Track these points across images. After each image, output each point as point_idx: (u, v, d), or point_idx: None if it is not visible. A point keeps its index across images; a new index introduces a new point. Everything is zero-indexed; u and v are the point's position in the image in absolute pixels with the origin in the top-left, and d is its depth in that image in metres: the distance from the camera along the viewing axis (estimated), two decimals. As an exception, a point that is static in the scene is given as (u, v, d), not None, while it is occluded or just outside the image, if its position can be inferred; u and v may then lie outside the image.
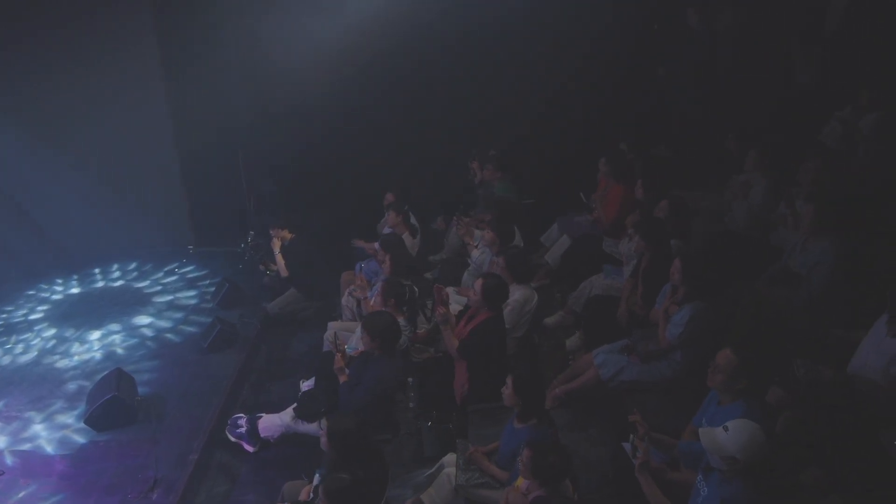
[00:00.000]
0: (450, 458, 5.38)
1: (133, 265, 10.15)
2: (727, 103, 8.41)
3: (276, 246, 8.33)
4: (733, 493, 3.97)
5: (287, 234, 8.38)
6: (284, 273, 8.31)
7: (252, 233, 9.43)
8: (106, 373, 7.21)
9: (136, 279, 9.82)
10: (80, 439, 6.63)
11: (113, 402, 6.64)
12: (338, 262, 8.67)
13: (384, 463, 5.21)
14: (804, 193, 6.22)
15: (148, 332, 8.46)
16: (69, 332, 8.49)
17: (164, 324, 8.63)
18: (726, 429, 4.01)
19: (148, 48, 9.46)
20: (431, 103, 9.62)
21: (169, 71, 9.59)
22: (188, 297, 9.25)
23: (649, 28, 9.42)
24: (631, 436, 4.51)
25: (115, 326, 8.58)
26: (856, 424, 4.54)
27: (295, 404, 6.35)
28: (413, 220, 8.45)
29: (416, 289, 6.88)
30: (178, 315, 8.82)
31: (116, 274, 10.00)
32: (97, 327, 8.56)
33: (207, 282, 9.53)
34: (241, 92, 9.87)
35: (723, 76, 8.59)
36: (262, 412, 6.53)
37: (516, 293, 6.48)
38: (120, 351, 8.08)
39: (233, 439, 6.45)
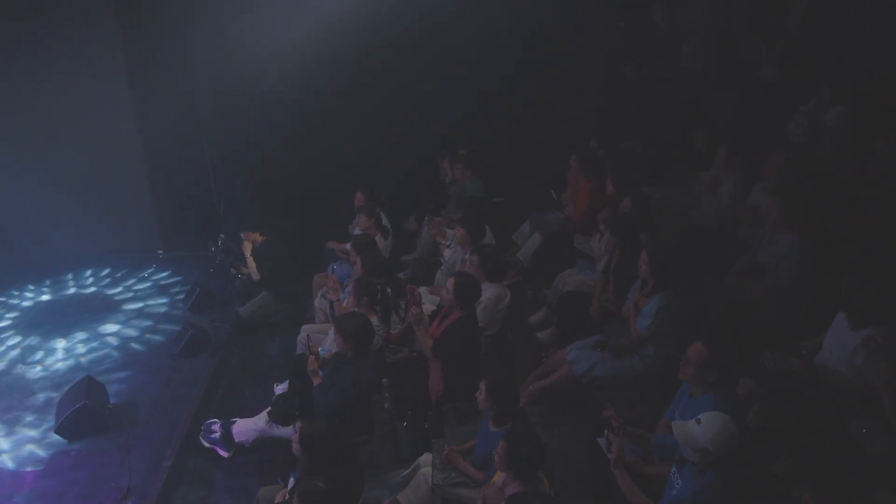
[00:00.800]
0: (426, 457, 5.38)
1: (102, 272, 10.01)
2: (694, 99, 8.48)
3: (247, 249, 8.27)
4: (707, 484, 4.02)
5: (258, 237, 8.33)
6: (256, 276, 8.26)
7: (222, 236, 9.34)
8: (76, 381, 7.11)
9: (105, 285, 9.68)
10: (50, 450, 6.53)
11: (84, 410, 6.55)
12: (310, 264, 8.63)
13: (359, 465, 5.20)
14: (769, 187, 6.30)
15: (118, 340, 8.35)
16: (36, 341, 8.35)
17: (134, 330, 8.54)
18: (699, 421, 4.06)
19: (111, 49, 9.35)
20: (401, 101, 9.59)
21: (133, 72, 9.47)
22: (158, 302, 9.15)
23: (616, 26, 9.48)
24: (605, 431, 4.54)
25: (83, 334, 8.46)
26: (824, 413, 4.63)
27: (269, 408, 6.32)
28: (385, 221, 8.43)
29: (389, 289, 6.88)
30: (149, 321, 8.72)
31: (85, 281, 9.84)
32: (65, 336, 8.43)
33: (178, 287, 9.44)
34: (207, 92, 9.77)
35: (688, 72, 8.67)
36: (236, 417, 6.49)
37: (489, 291, 6.50)
38: (89, 359, 7.98)
39: (207, 445, 6.40)
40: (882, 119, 6.57)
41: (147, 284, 9.64)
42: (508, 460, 4.40)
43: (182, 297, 9.06)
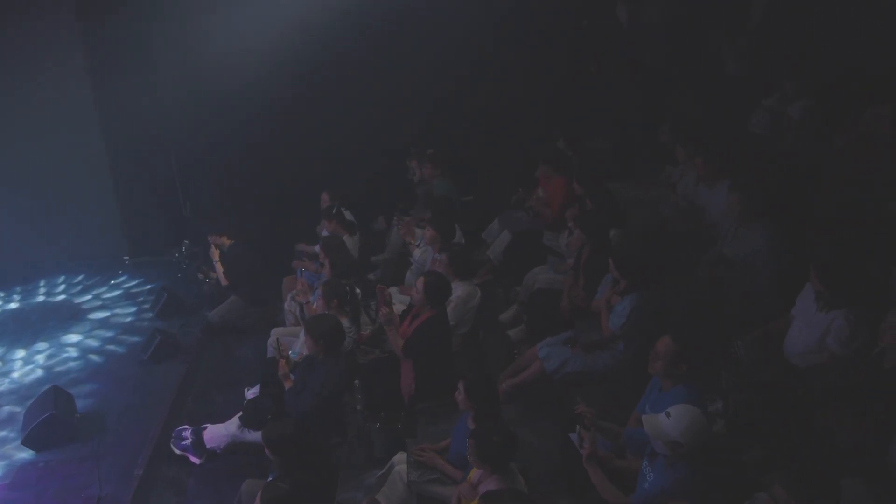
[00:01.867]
0: (400, 456, 5.38)
1: (68, 279, 9.86)
2: (660, 95, 8.57)
3: (215, 254, 8.20)
4: (678, 477, 4.06)
5: (226, 241, 8.26)
6: (224, 281, 8.19)
7: (186, 241, 9.22)
8: (42, 391, 6.99)
9: (71, 293, 9.54)
10: (17, 462, 6.40)
11: (51, 420, 6.44)
12: (279, 266, 8.57)
13: (331, 466, 5.18)
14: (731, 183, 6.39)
15: (84, 347, 8.23)
16: (0, 352, 8.20)
17: (101, 337, 8.41)
18: (668, 414, 4.11)
19: (73, 53, 9.22)
20: (367, 100, 9.56)
21: (95, 75, 9.34)
22: (125, 308, 9.03)
23: (579, 24, 9.55)
24: (577, 426, 4.57)
25: (48, 343, 8.31)
26: (794, 402, 4.71)
27: (240, 413, 6.27)
28: (350, 216, 8.41)
29: (358, 289, 6.87)
30: (116, 327, 8.60)
31: (51, 289, 9.69)
32: (28, 345, 8.27)
33: (145, 293, 9.32)
34: (171, 94, 9.66)
35: (654, 69, 8.76)
36: (207, 423, 6.43)
37: (459, 290, 6.53)
38: (55, 368, 7.84)
39: (178, 452, 6.34)
40: (843, 113, 6.70)
41: (113, 291, 9.51)
42: (479, 453, 4.43)
43: (149, 302, 8.95)
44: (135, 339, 8.28)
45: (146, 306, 8.94)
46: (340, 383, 5.92)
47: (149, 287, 9.45)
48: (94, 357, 8.04)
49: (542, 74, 9.51)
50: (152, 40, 9.30)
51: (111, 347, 8.21)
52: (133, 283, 9.67)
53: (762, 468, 4.40)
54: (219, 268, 8.19)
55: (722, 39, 8.38)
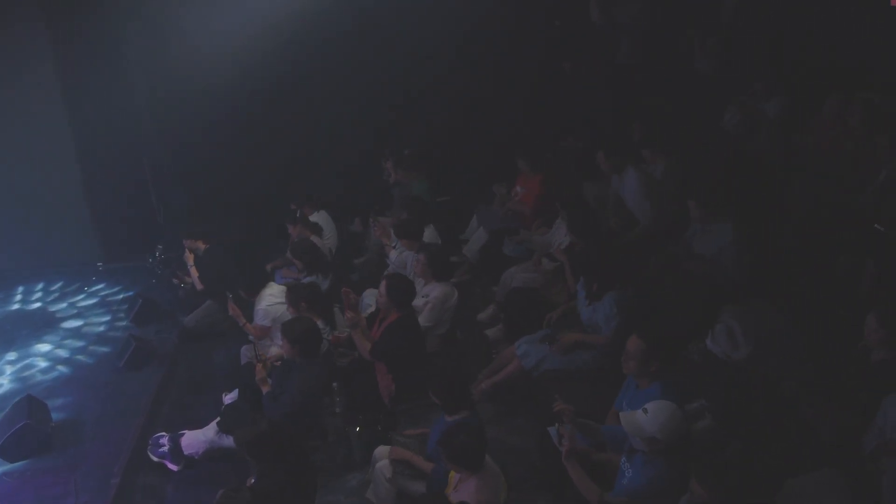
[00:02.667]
0: (380, 450, 5.38)
1: (39, 286, 9.70)
2: (631, 93, 8.64)
3: (190, 259, 8.13)
4: (657, 473, 4.10)
5: (201, 245, 8.19)
6: (199, 286, 8.11)
7: (160, 247, 9.12)
8: (15, 401, 6.89)
9: (44, 300, 9.40)
10: (-9, 472, 6.32)
11: (25, 430, 6.34)
12: (255, 270, 8.51)
13: (311, 468, 5.15)
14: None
15: (58, 355, 8.10)
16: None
17: (75, 345, 8.29)
18: (646, 411, 4.15)
19: (42, 57, 9.05)
20: (343, 101, 9.55)
21: (66, 80, 9.20)
22: (99, 315, 8.91)
23: (552, 24, 9.61)
24: (556, 424, 4.59)
25: (21, 352, 8.16)
26: (775, 397, 4.77)
27: (218, 418, 6.22)
28: (325, 216, 8.38)
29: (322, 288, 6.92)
30: (90, 335, 8.48)
31: (20, 296, 9.53)
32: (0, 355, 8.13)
33: (120, 299, 9.19)
34: (143, 98, 9.59)
35: (625, 67, 8.83)
36: (185, 429, 6.37)
37: (436, 290, 6.56)
38: (28, 377, 7.71)
39: (155, 459, 6.27)
40: (810, 110, 6.80)
41: (87, 297, 9.38)
42: (449, 456, 4.46)
43: (124, 309, 8.86)
44: (109, 346, 8.17)
45: (121, 313, 8.84)
46: (317, 385, 5.89)
47: (123, 293, 9.33)
48: (68, 365, 7.92)
49: (517, 74, 9.55)
50: (123, 44, 9.23)
51: (85, 355, 8.10)
52: (107, 289, 9.55)
53: (743, 460, 4.46)
54: (193, 272, 8.12)
55: (693, 38, 8.47)
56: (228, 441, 6.07)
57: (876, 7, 6.45)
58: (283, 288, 6.97)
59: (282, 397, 5.73)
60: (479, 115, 9.62)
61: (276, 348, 6.67)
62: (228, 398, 6.53)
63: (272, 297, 7.00)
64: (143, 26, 9.22)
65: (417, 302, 6.68)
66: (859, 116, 6.48)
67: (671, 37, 8.79)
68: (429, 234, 7.58)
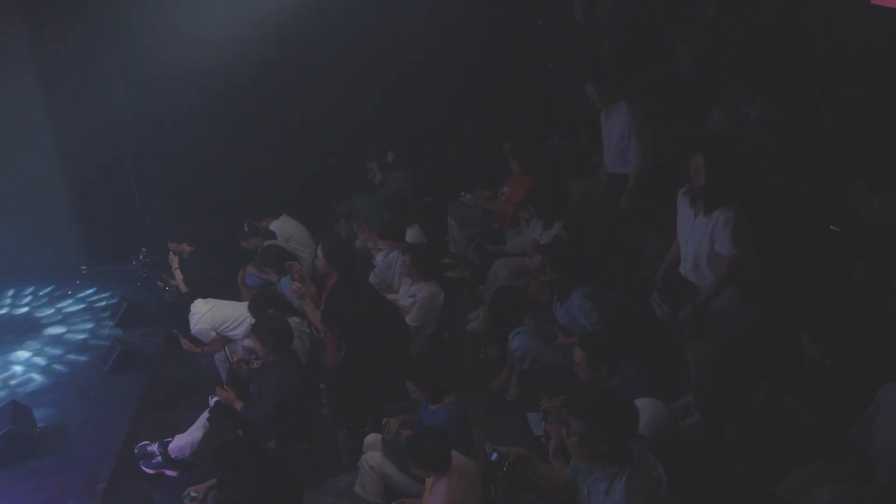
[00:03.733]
0: (370, 440, 5.43)
1: (25, 290, 9.62)
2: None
3: (174, 262, 8.07)
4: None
5: (186, 248, 8.14)
6: (184, 289, 8.06)
7: (144, 249, 9.01)
8: (-1, 406, 6.85)
9: (27, 304, 9.33)
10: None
11: (10, 436, 6.29)
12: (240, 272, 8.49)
13: (288, 476, 5.09)
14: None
15: (42, 360, 8.06)
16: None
17: (59, 349, 8.25)
18: None
19: (22, 59, 9.01)
20: (325, 104, 9.51)
21: (46, 82, 9.14)
22: (84, 319, 8.86)
23: (535, 23, 9.63)
24: (542, 423, 4.59)
25: (2, 358, 8.09)
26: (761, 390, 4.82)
27: (204, 420, 6.19)
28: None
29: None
30: (75, 339, 8.44)
31: (8, 301, 9.46)
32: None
33: (104, 303, 9.16)
34: (125, 99, 9.51)
35: (609, 66, 8.84)
36: (171, 433, 6.33)
37: (423, 290, 6.58)
38: (12, 382, 7.66)
39: (151, 472, 6.23)
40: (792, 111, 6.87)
41: (71, 302, 9.32)
42: (419, 464, 4.52)
43: (108, 313, 8.80)
44: (94, 350, 8.13)
45: (105, 316, 8.79)
46: (294, 383, 5.80)
47: (107, 297, 9.28)
48: (52, 370, 7.87)
49: (502, 74, 9.58)
50: (105, 47, 9.15)
51: (70, 359, 8.05)
52: (91, 292, 9.49)
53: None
54: (178, 275, 8.07)
55: (676, 37, 8.50)
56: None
57: (857, 5, 6.51)
58: (203, 302, 6.96)
59: (259, 399, 5.70)
60: (462, 115, 9.62)
61: (243, 344, 6.67)
62: (214, 401, 6.50)
63: (197, 315, 6.92)
64: (124, 29, 9.13)
65: (405, 301, 6.69)
66: (833, 113, 6.59)
67: (654, 36, 8.82)
68: (414, 235, 7.59)
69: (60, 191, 9.65)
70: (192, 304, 6.99)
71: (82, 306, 9.22)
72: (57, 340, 8.45)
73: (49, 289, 9.64)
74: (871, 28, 6.09)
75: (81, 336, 8.52)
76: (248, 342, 6.42)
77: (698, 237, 5.32)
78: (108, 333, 8.45)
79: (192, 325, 6.90)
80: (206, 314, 6.83)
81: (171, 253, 8.15)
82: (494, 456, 3.79)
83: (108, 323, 8.66)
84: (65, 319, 8.91)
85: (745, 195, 5.66)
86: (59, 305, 9.26)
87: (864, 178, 5.55)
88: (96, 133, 9.12)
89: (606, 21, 8.92)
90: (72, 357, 8.08)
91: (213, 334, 6.85)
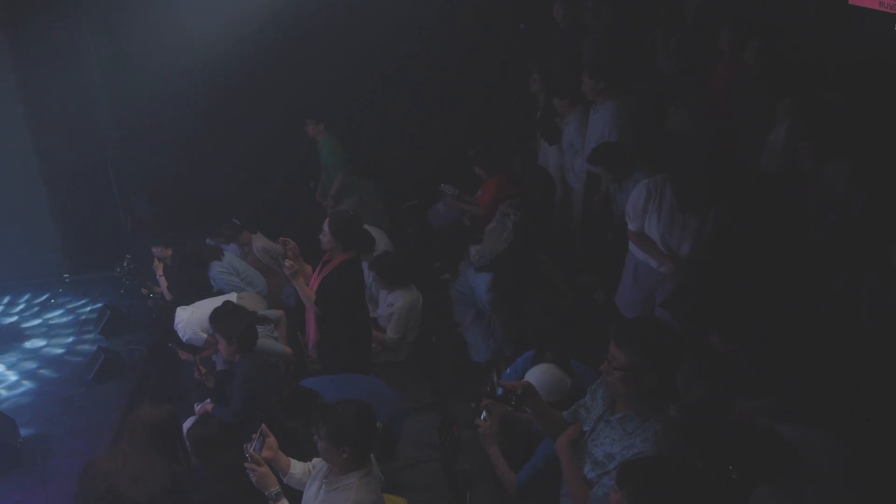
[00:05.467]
0: None
1: (1, 300, 9.53)
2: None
3: (159, 268, 8.01)
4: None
5: (170, 254, 8.08)
6: (168, 296, 8.00)
7: (128, 256, 8.94)
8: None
9: (8, 313, 9.24)
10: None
11: (-7, 446, 6.27)
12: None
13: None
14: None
15: (25, 369, 7.98)
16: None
17: (41, 358, 8.17)
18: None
19: (1, 65, 8.92)
20: (306, 108, 9.48)
21: (26, 88, 9.03)
22: (67, 328, 8.79)
23: (517, 27, 9.65)
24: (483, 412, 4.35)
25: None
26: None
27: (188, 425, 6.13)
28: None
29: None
30: (57, 348, 8.37)
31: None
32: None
33: (87, 311, 9.08)
34: (105, 104, 9.44)
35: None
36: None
37: (401, 299, 6.55)
38: (-5, 392, 7.61)
39: None
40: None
41: (54, 310, 9.24)
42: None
43: (92, 321, 8.73)
44: (77, 359, 8.08)
45: (88, 325, 8.72)
46: (261, 379, 5.58)
47: (91, 305, 9.21)
48: (35, 379, 7.80)
49: (483, 78, 9.59)
50: (84, 52, 9.07)
51: (53, 368, 7.98)
52: (74, 301, 9.41)
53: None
54: (163, 282, 8.00)
55: (656, 38, 8.55)
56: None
57: (836, 5, 6.58)
58: (182, 308, 6.82)
59: (232, 398, 5.57)
60: (445, 118, 9.64)
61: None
62: (199, 407, 6.46)
63: (182, 324, 6.70)
64: (103, 32, 9.07)
65: (383, 311, 6.65)
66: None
67: (635, 37, 8.87)
68: (381, 240, 7.50)
69: (41, 199, 9.53)
70: (175, 314, 6.94)
71: (65, 314, 9.15)
72: (39, 349, 8.37)
73: (27, 297, 9.55)
74: (851, 28, 6.15)
75: (64, 344, 8.45)
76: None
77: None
78: (91, 340, 8.40)
79: (180, 334, 6.83)
80: (190, 318, 6.75)
81: (155, 260, 8.08)
82: (500, 391, 3.59)
83: (91, 331, 8.59)
84: (48, 328, 8.83)
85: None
86: (42, 314, 9.18)
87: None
88: (77, 140, 9.04)
89: (588, 21, 8.97)
90: (55, 366, 8.01)
91: (205, 336, 6.78)
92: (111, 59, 9.22)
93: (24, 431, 6.76)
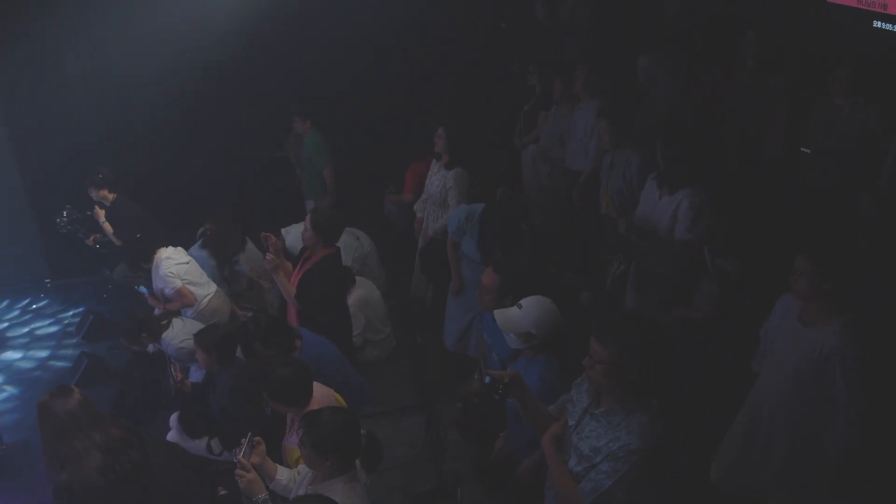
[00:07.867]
0: None
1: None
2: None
3: (101, 215, 7.85)
4: (541, 371, 4.17)
5: (108, 195, 7.94)
6: (118, 242, 7.82)
7: (68, 206, 8.33)
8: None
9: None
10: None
11: (-26, 455, 6.21)
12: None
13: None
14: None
15: (7, 376, 7.91)
16: None
17: (24, 364, 8.11)
18: (520, 306, 4.25)
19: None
20: (283, 102, 9.44)
21: (1, 90, 8.94)
22: (48, 333, 8.72)
23: (497, 27, 9.67)
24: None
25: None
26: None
27: (174, 433, 6.10)
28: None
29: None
30: (40, 354, 8.30)
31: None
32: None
33: (70, 316, 9.01)
34: (85, 109, 9.34)
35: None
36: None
37: (350, 297, 6.56)
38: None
39: None
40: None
41: (35, 315, 9.16)
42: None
43: (74, 326, 8.66)
44: (60, 364, 8.02)
45: (70, 330, 8.65)
46: (243, 390, 5.42)
47: (72, 309, 9.14)
48: (18, 385, 7.74)
49: (464, 78, 9.59)
50: (58, 51, 8.98)
51: (36, 375, 7.92)
52: (56, 306, 9.33)
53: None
54: (108, 228, 7.85)
55: (638, 36, 8.59)
56: (189, 444, 5.95)
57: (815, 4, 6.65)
58: (178, 250, 6.89)
59: (214, 403, 5.56)
60: (429, 121, 9.62)
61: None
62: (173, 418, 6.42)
63: (169, 261, 6.77)
64: (77, 35, 8.97)
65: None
66: (752, 49, 6.78)
67: (616, 36, 8.90)
68: (362, 238, 7.64)
69: (23, 205, 9.44)
70: (165, 249, 6.97)
71: (47, 318, 9.08)
72: (22, 354, 8.31)
73: (9, 303, 9.46)
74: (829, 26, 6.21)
75: (47, 350, 8.38)
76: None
77: (659, 217, 5.41)
78: (74, 344, 8.34)
79: (161, 268, 6.84)
80: (181, 265, 6.80)
81: (95, 207, 7.93)
82: (487, 379, 3.55)
83: (73, 336, 8.52)
84: (30, 333, 8.76)
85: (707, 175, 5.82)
86: (22, 318, 9.11)
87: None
88: (58, 146, 8.91)
89: (569, 20, 9.00)
90: (37, 373, 7.95)
91: (178, 284, 6.72)
92: (92, 66, 9.11)
93: (7, 438, 6.70)
